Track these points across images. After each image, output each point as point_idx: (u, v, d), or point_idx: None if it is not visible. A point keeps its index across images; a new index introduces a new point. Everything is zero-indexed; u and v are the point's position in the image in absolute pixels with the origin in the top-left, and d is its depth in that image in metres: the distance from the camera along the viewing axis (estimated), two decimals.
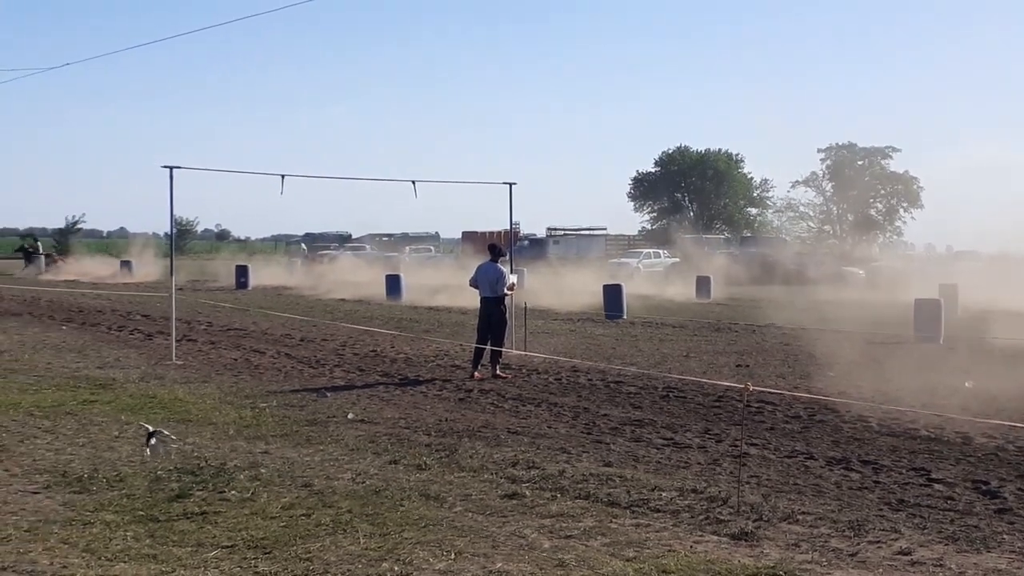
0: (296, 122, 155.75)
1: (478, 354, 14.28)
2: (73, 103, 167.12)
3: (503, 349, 14.66)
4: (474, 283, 14.80)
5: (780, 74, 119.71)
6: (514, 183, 17.94)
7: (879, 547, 6.32)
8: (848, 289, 34.73)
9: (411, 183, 17.55)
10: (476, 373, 14.05)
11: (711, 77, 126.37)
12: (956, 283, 25.41)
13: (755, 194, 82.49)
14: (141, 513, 6.80)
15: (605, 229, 62.96)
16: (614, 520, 6.80)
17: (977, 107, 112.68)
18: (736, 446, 9.17)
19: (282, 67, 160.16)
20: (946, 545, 6.41)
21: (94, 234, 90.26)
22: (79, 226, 69.51)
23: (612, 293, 24.99)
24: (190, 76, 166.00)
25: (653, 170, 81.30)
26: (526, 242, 55.49)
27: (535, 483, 7.81)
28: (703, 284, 32.79)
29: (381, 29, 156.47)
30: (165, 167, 15.43)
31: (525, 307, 18.23)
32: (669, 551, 6.12)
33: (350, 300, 30.08)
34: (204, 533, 6.36)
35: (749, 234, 69.68)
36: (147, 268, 44.19)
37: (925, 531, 6.74)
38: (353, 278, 36.47)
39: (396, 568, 5.72)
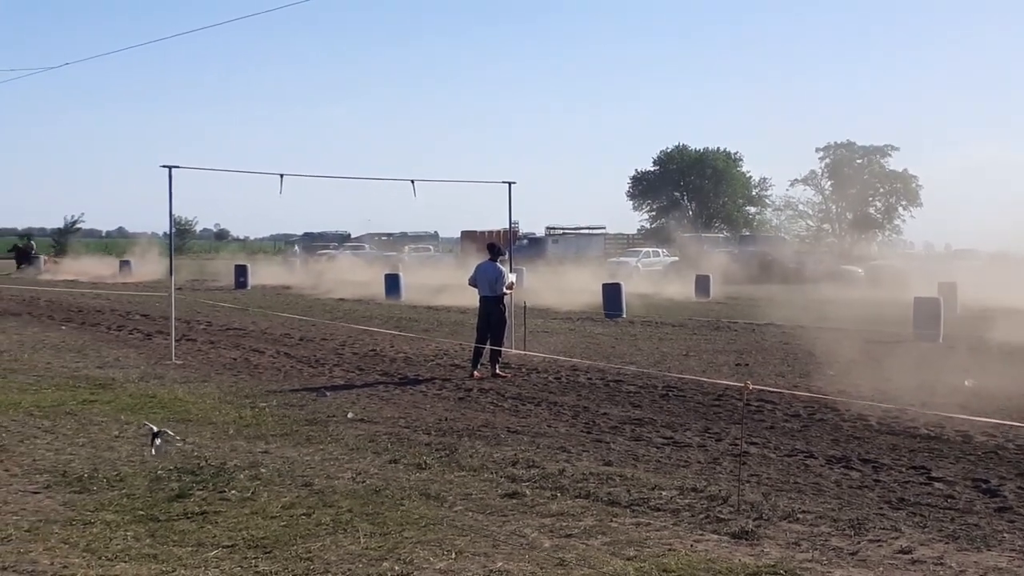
0: (295, 121, 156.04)
1: (477, 353, 14.28)
2: (72, 103, 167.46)
3: (502, 348, 14.66)
4: (473, 282, 14.81)
5: (779, 73, 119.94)
6: (513, 182, 18.02)
7: (879, 546, 6.32)
8: (847, 288, 34.62)
9: (410, 182, 17.60)
10: (476, 372, 14.05)
11: (710, 77, 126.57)
12: (955, 281, 25.43)
13: (754, 193, 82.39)
14: (141, 513, 6.80)
15: (604, 228, 63.10)
16: (614, 519, 6.80)
17: (977, 107, 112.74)
18: (736, 445, 9.18)
19: (281, 66, 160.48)
20: (946, 544, 6.41)
21: (93, 234, 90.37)
22: (78, 226, 69.67)
23: (611, 292, 25.00)
24: (189, 76, 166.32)
25: (652, 169, 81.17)
26: (525, 241, 55.50)
27: (535, 482, 7.81)
28: (702, 283, 32.73)
29: (380, 29, 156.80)
30: (164, 167, 15.45)
31: (524, 306, 18.23)
32: (669, 550, 6.12)
33: (349, 299, 30.08)
34: (204, 533, 6.36)
35: (748, 233, 69.51)
36: (147, 268, 44.20)
37: (925, 530, 6.74)
38: (352, 277, 36.48)
39: (396, 567, 5.72)
